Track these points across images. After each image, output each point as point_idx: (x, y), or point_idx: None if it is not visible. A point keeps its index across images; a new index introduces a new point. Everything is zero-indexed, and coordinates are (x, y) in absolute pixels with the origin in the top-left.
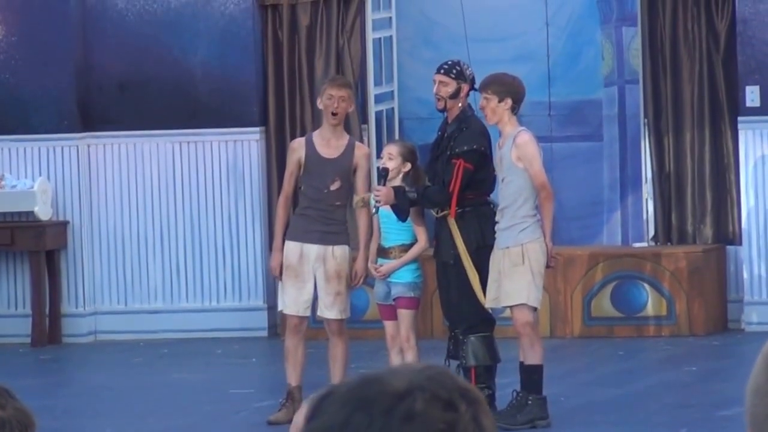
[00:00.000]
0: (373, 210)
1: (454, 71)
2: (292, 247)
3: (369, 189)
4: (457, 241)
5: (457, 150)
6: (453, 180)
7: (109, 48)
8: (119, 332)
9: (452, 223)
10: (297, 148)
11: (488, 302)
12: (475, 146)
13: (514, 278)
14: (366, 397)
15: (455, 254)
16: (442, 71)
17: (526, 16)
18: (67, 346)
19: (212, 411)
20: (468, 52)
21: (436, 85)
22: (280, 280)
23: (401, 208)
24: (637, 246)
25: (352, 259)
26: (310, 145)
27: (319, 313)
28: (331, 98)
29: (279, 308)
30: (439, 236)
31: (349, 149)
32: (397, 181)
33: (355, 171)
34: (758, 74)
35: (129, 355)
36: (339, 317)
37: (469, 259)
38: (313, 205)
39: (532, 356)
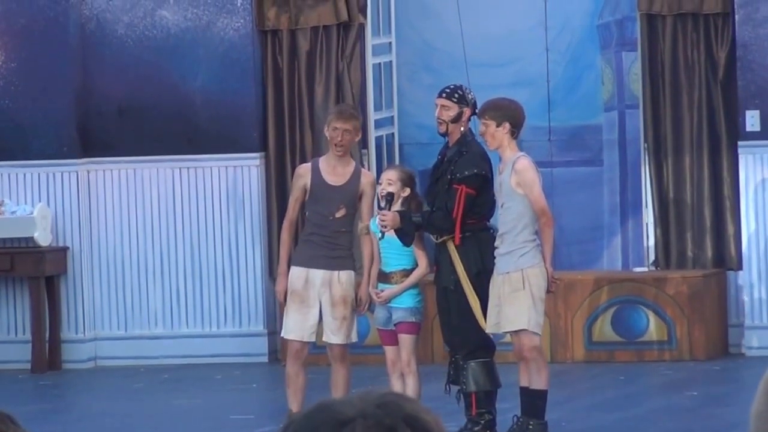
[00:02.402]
0: (379, 235)
1: (456, 95)
2: (297, 273)
3: (373, 215)
4: (457, 267)
5: (458, 175)
6: (456, 207)
7: (109, 74)
8: (119, 358)
9: (452, 248)
10: (303, 174)
11: (489, 328)
12: (476, 170)
13: (515, 303)
14: (313, 426)
15: (455, 279)
16: (444, 95)
17: (526, 42)
18: (67, 372)
19: None
20: (468, 77)
21: (438, 109)
22: (286, 305)
23: (406, 232)
24: (637, 271)
25: (357, 285)
26: (316, 172)
27: (324, 338)
28: (336, 131)
29: (281, 333)
30: (440, 261)
31: (356, 176)
32: (396, 206)
33: (360, 198)
34: (758, 99)
35: (129, 381)
36: (345, 342)
37: (469, 284)
38: (318, 231)
39: (538, 381)
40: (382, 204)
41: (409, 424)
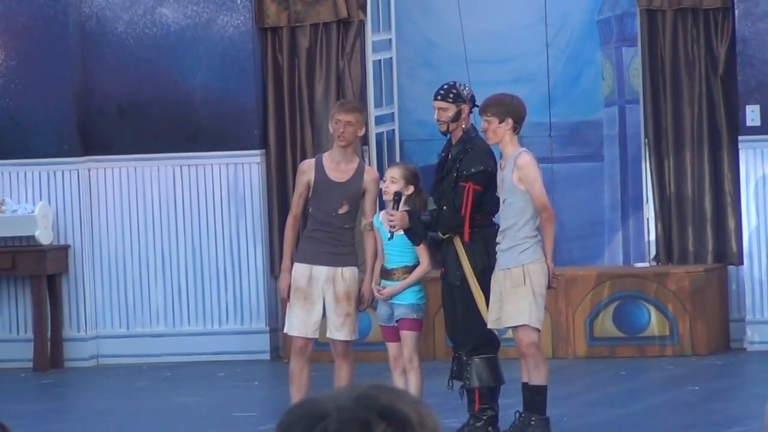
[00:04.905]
0: (389, 236)
1: (451, 95)
2: (300, 269)
3: (377, 212)
4: (463, 263)
5: (464, 173)
6: (464, 204)
7: (109, 72)
8: (121, 356)
9: (458, 244)
10: (306, 170)
11: (490, 323)
12: (482, 167)
13: (516, 299)
14: (290, 421)
15: (461, 275)
16: (439, 97)
17: (526, 38)
18: (69, 370)
19: None
20: (468, 73)
21: (436, 111)
22: (289, 301)
23: (416, 232)
24: (638, 266)
25: (360, 282)
26: (319, 168)
27: (328, 334)
28: (338, 123)
29: (285, 330)
30: (445, 257)
31: (359, 173)
32: (402, 204)
33: (363, 195)
34: (758, 93)
35: (131, 379)
36: (349, 338)
37: (475, 280)
38: (321, 228)
39: (537, 377)
40: (386, 200)
41: (383, 416)
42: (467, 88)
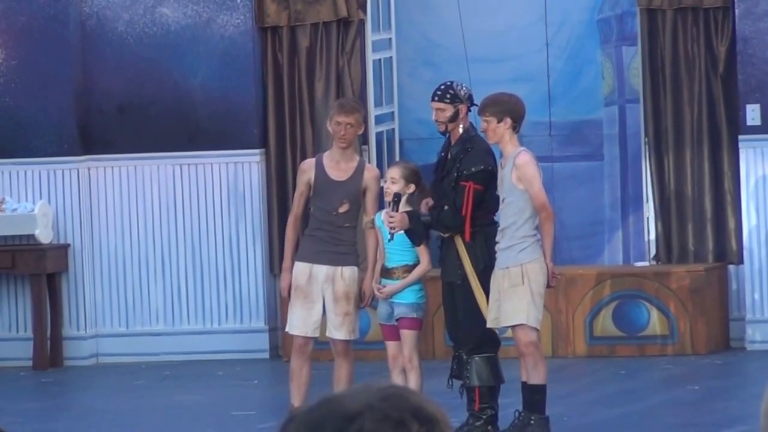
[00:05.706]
0: (389, 237)
1: (448, 95)
2: (301, 268)
3: (378, 210)
4: (465, 261)
5: (465, 172)
6: (465, 204)
7: (109, 71)
8: (121, 355)
9: (459, 243)
10: (306, 170)
11: (489, 322)
12: (482, 167)
13: (514, 298)
14: (318, 421)
15: (462, 274)
16: (436, 98)
17: (526, 37)
18: (68, 369)
19: None
20: (468, 73)
21: (434, 112)
22: (290, 300)
23: (416, 233)
24: (638, 265)
25: (360, 280)
26: (319, 167)
27: (327, 333)
28: (339, 125)
29: (286, 329)
30: (446, 256)
31: (359, 171)
32: (405, 206)
33: (364, 193)
34: (759, 93)
35: (131, 378)
36: (347, 338)
37: (476, 279)
38: (322, 227)
39: (536, 376)
40: (388, 200)
41: (416, 416)
42: (464, 88)
